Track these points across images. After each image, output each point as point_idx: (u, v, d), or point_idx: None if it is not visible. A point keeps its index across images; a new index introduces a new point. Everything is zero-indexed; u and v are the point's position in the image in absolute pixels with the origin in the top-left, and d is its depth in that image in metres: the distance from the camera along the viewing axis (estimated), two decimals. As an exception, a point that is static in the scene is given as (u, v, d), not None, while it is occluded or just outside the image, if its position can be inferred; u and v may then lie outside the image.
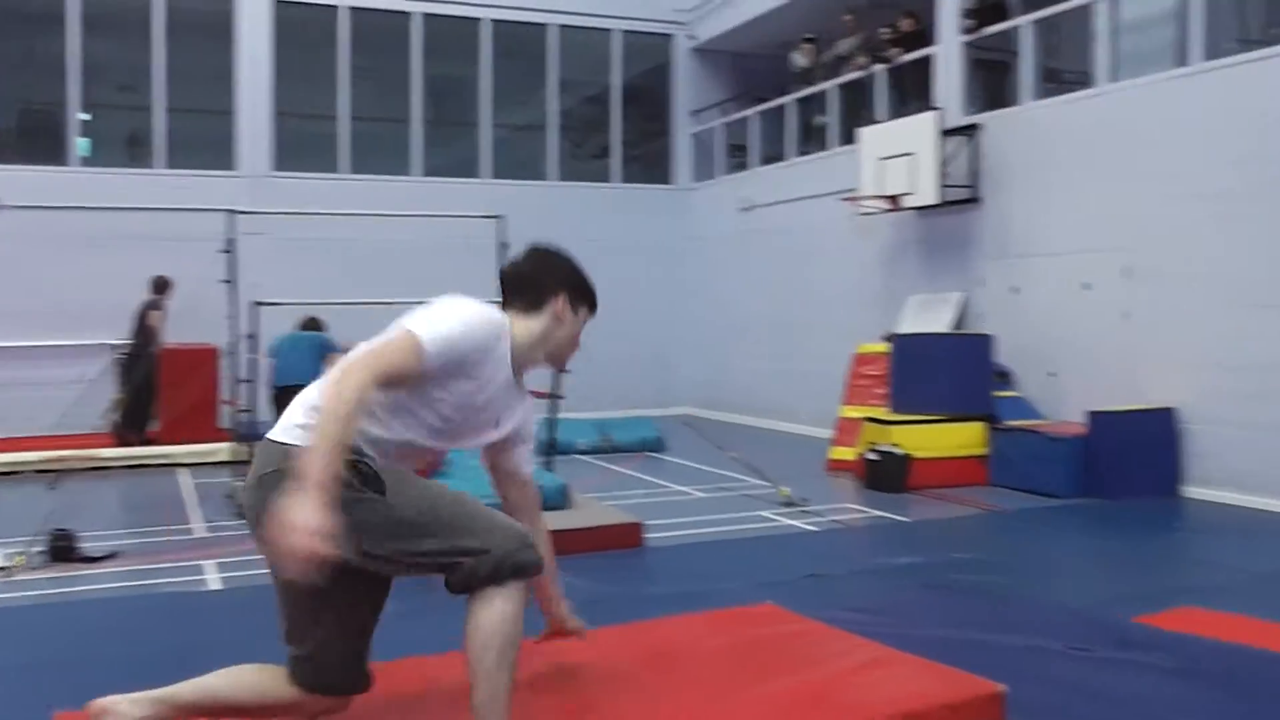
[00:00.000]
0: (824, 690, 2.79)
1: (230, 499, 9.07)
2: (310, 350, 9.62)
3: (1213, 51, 9.24)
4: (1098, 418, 9.21)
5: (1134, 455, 9.01)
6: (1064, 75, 11.37)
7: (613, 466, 11.15)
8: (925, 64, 12.34)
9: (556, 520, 7.28)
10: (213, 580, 6.65)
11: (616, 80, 17.01)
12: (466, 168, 16.07)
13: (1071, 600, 5.14)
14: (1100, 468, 9.05)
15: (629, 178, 17.11)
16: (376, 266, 14.16)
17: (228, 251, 9.40)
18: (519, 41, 16.43)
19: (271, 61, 14.93)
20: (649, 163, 17.71)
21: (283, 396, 9.07)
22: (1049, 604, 4.69)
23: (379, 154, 15.79)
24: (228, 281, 9.42)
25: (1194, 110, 9.13)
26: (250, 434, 8.99)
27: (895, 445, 9.59)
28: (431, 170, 15.80)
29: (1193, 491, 9.01)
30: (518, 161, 16.72)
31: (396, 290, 12.79)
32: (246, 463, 8.66)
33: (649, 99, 17.62)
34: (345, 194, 14.27)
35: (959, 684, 2.82)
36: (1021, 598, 5.37)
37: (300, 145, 15.50)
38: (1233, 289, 8.80)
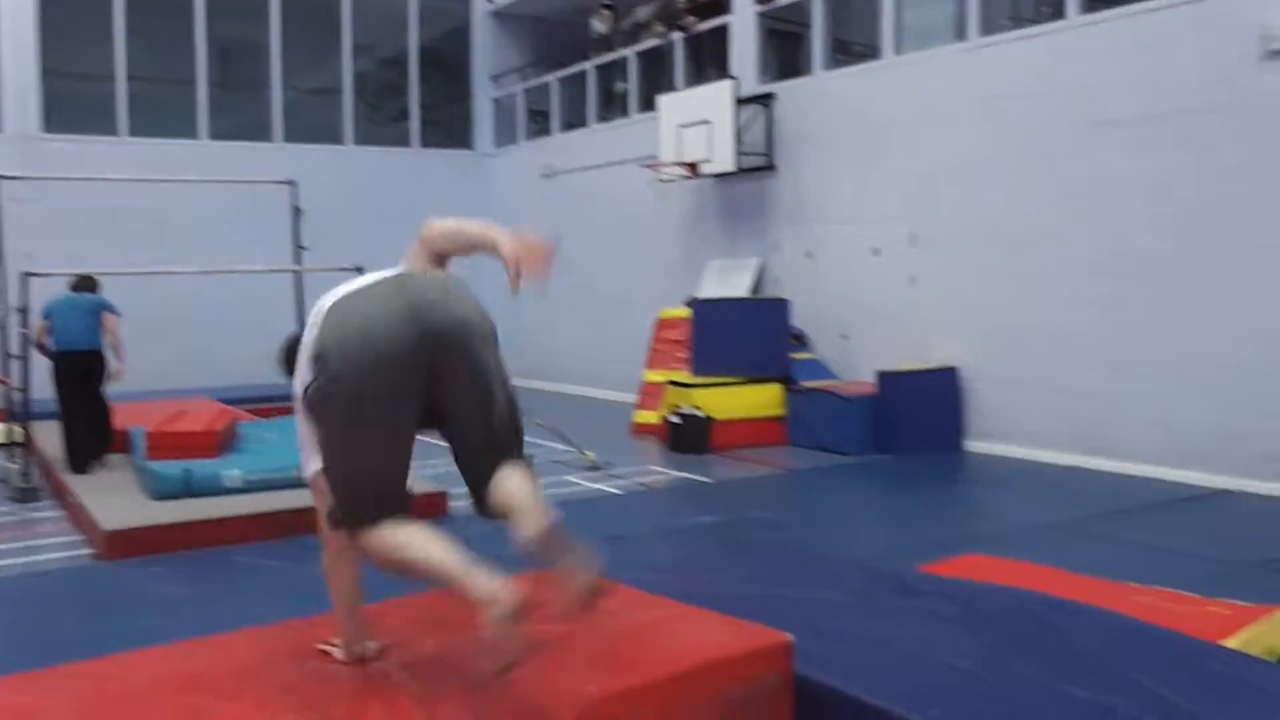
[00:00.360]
0: (614, 647, 2.83)
1: (4, 483, 8.53)
2: (90, 313, 8.87)
3: (988, 28, 9.72)
4: (887, 378, 9.63)
5: (921, 413, 9.48)
6: (853, 47, 11.75)
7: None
8: (722, 33, 12.53)
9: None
10: (-17, 569, 6.27)
11: (414, 43, 16.63)
12: (258, 132, 15.43)
13: (860, 552, 5.38)
14: (890, 425, 9.47)
15: (428, 142, 16.78)
16: (162, 234, 13.50)
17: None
18: (311, 2, 15.85)
19: (36, 15, 13.94)
20: (449, 128, 17.41)
21: (65, 363, 8.47)
22: (838, 557, 4.89)
23: (162, 117, 14.99)
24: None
25: (972, 84, 9.58)
26: (25, 414, 8.46)
27: (697, 408, 9.80)
28: (220, 134, 15.10)
29: (974, 446, 9.53)
30: (312, 126, 16.16)
31: (184, 259, 12.31)
32: (21, 445, 8.18)
33: (448, 63, 17.30)
34: (125, 157, 13.50)
35: (747, 635, 2.91)
36: (813, 552, 5.58)
37: (74, 106, 14.57)
38: (1005, 256, 9.31)
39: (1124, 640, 3.56)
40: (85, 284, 9.13)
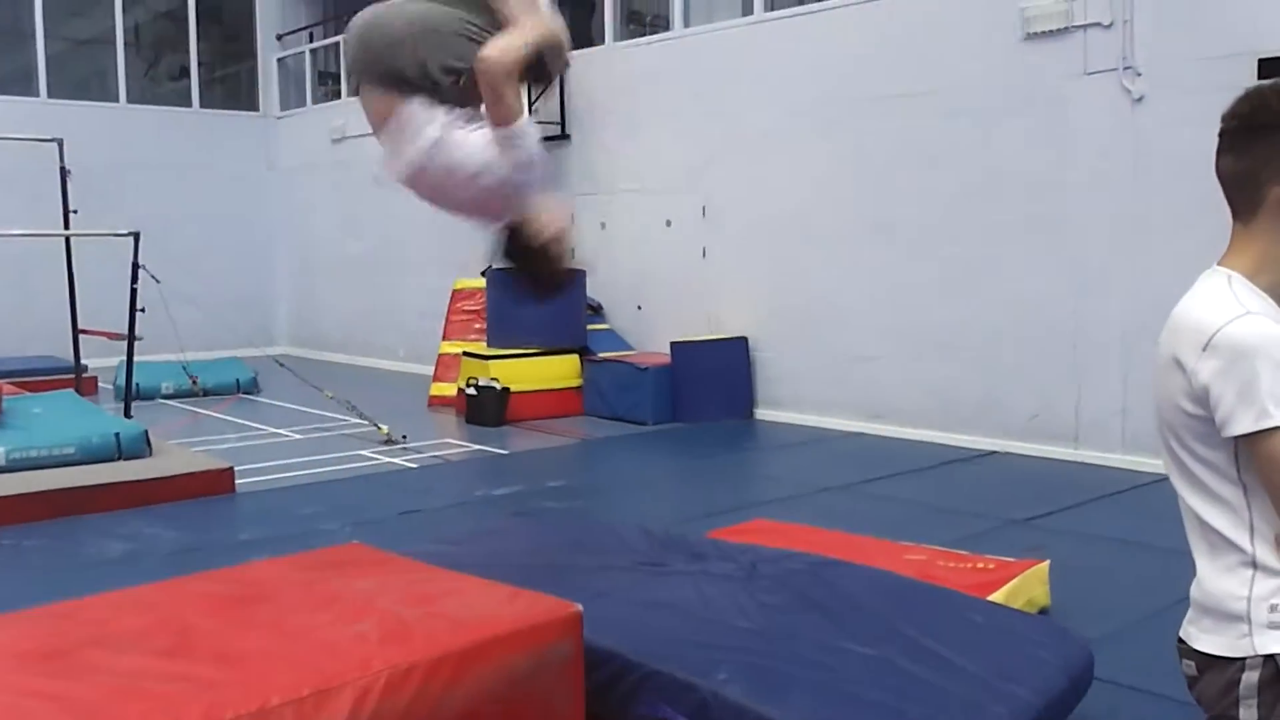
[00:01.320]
0: (404, 621, 2.80)
1: None
2: None
3: (774, 3, 9.98)
4: (679, 348, 9.81)
5: (712, 382, 9.70)
6: (644, 17, 11.84)
7: (202, 410, 10.56)
8: None
9: (137, 469, 6.87)
10: None
11: (192, -5, 15.80)
12: (19, 85, 14.38)
13: (652, 519, 5.48)
14: (683, 395, 9.67)
15: (210, 103, 15.99)
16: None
17: None
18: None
19: None
20: (233, 88, 16.67)
21: None
22: (628, 524, 4.97)
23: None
24: None
25: (757, 57, 9.81)
26: None
27: (494, 379, 9.75)
28: (-24, 86, 14.00)
29: (764, 414, 9.83)
30: (82, 80, 15.20)
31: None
32: None
33: (230, 20, 16.54)
34: None
35: (536, 606, 2.93)
36: (604, 519, 5.66)
37: None
38: (790, 226, 9.61)
39: (899, 597, 3.76)
40: None
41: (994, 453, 8.14)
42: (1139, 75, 7.47)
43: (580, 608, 2.94)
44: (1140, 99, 7.48)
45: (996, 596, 4.26)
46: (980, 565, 4.73)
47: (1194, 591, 1.86)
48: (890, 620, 3.57)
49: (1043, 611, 4.48)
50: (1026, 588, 4.51)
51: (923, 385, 8.77)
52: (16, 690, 2.47)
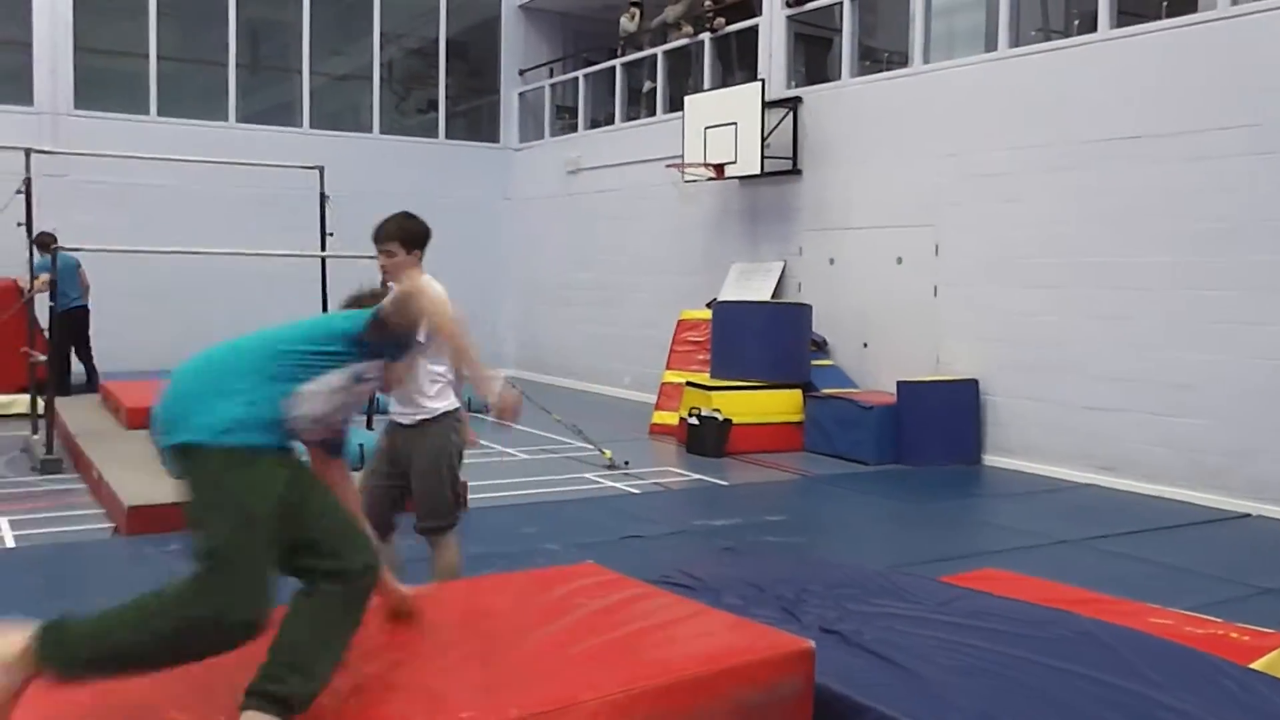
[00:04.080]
0: (638, 645, 2.84)
1: (27, 453, 8.59)
2: (71, 273, 10.81)
3: (1017, 39, 9.70)
4: (906, 387, 9.60)
5: (939, 424, 9.44)
6: (880, 54, 11.72)
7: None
8: (750, 35, 12.52)
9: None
10: (7, 538, 6.31)
11: (442, 33, 16.64)
12: (284, 116, 15.48)
13: (875, 562, 5.37)
14: (907, 436, 9.45)
15: (454, 134, 16.80)
16: (185, 215, 13.55)
17: (24, 193, 8.79)
18: (342, -14, 15.91)
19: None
20: (475, 120, 17.45)
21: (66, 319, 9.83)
22: (853, 564, 4.88)
23: (190, 97, 15.07)
24: (24, 225, 8.84)
25: (996, 94, 9.55)
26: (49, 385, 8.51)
27: (716, 410, 9.79)
28: (247, 117, 15.15)
29: (991, 460, 9.50)
30: (339, 113, 16.22)
31: (207, 241, 12.34)
32: (42, 416, 8.25)
33: (475, 55, 17.34)
34: (153, 137, 13.53)
35: (767, 639, 2.91)
36: (830, 558, 5.57)
37: (104, 83, 14.64)
38: (1022, 269, 9.29)
39: (1149, 656, 3.55)
40: (48, 240, 9.38)
41: (1246, 515, 7.61)
42: None
43: (813, 644, 2.91)
44: None
45: (1256, 665, 3.96)
46: (1235, 635, 4.42)
47: None
48: (1137, 680, 3.37)
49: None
50: (1288, 661, 4.19)
51: (1161, 437, 8.29)
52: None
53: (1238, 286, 7.85)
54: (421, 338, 3.15)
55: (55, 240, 9.23)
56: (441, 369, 4.18)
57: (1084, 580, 5.25)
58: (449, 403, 4.26)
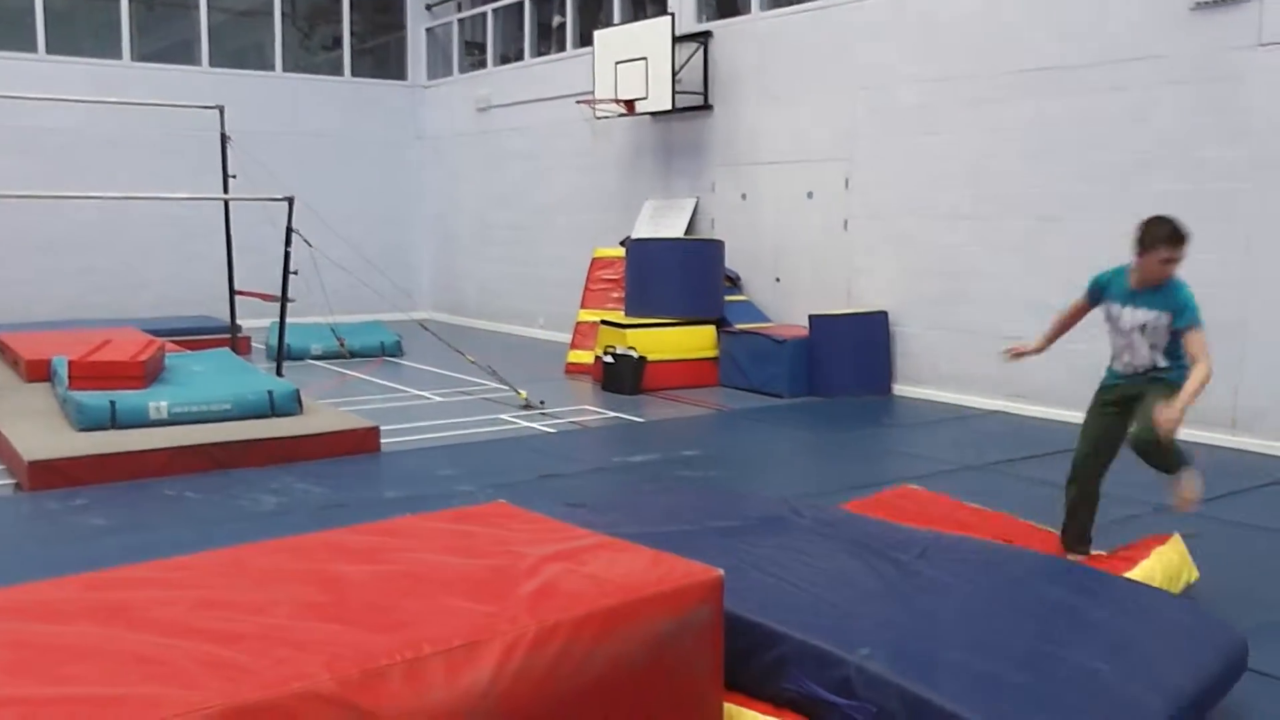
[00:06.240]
0: (551, 579, 2.86)
1: None
2: None
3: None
4: (818, 321, 9.71)
5: (850, 357, 9.59)
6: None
7: (348, 372, 10.90)
8: (662, -31, 12.39)
9: (288, 426, 7.14)
10: None
11: (347, -33, 16.20)
12: (184, 54, 14.97)
13: (788, 491, 5.46)
14: (820, 368, 9.58)
15: (360, 72, 16.41)
16: (82, 158, 13.10)
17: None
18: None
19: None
20: (382, 57, 17.06)
21: None
22: (765, 494, 4.96)
23: (82, 34, 14.48)
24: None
25: (907, 26, 9.58)
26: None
27: (631, 348, 9.81)
28: (144, 55, 14.61)
29: (902, 390, 9.68)
30: (240, 51, 15.74)
31: (104, 185, 11.98)
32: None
33: (382, -10, 16.91)
34: (42, 77, 13.04)
35: (677, 569, 2.95)
36: (741, 489, 5.66)
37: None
38: (935, 200, 9.40)
39: (1048, 577, 3.68)
40: None
41: (1144, 437, 7.85)
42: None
43: (721, 573, 2.96)
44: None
45: (1134, 574, 4.15)
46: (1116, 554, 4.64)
47: None
48: (1038, 600, 3.49)
49: (1191, 585, 4.37)
50: (1164, 564, 4.39)
51: (1069, 366, 8.50)
52: (182, 629, 2.60)
53: (1140, 215, 8.00)
54: None
55: None
56: None
57: (986, 502, 5.43)
58: None
